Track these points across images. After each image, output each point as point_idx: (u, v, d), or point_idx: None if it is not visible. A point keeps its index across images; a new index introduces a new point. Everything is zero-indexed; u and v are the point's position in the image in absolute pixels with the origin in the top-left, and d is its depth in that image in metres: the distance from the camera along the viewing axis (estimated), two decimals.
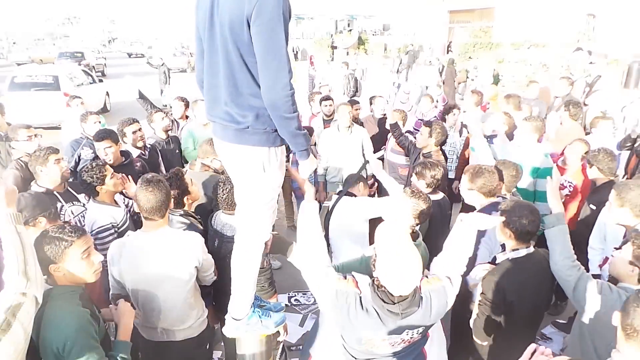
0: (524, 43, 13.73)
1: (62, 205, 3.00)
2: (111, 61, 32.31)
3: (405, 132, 5.05)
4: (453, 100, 9.48)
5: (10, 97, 10.32)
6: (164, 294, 2.22)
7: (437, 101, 7.24)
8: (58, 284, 1.78)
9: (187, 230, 2.50)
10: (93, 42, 48.16)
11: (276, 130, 1.79)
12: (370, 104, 6.06)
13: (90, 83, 12.77)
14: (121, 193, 3.10)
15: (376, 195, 4.53)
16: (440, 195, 3.32)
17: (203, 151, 3.63)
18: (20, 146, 3.73)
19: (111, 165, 3.20)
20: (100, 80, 14.40)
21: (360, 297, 1.75)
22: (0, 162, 4.43)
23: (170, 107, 6.36)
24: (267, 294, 2.54)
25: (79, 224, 2.94)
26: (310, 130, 4.90)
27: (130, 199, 3.18)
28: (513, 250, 2.34)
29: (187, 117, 5.42)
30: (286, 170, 2.06)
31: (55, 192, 3.01)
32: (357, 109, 5.74)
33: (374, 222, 2.80)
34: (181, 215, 2.74)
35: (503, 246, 2.45)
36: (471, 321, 2.42)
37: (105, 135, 3.54)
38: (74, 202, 3.08)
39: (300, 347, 3.64)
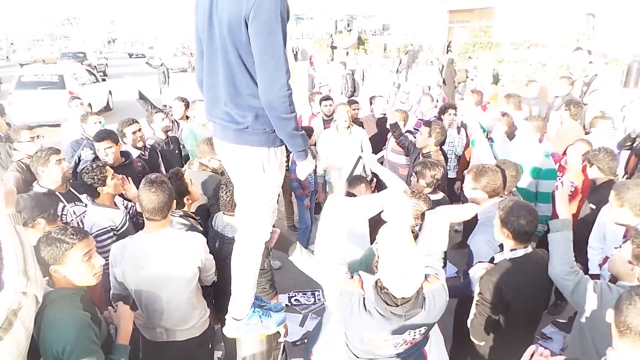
0: (523, 43, 13.73)
1: (64, 206, 3.00)
2: (112, 61, 32.43)
3: (406, 132, 5.05)
4: (453, 100, 9.48)
5: (18, 96, 10.78)
6: (167, 294, 2.22)
7: (437, 101, 7.24)
8: (59, 285, 1.78)
9: (187, 231, 2.50)
10: (94, 42, 48.28)
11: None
12: (370, 103, 6.07)
13: (93, 82, 13.10)
14: (121, 195, 3.10)
15: (375, 192, 4.53)
16: (440, 195, 3.32)
17: (201, 151, 3.63)
18: (22, 147, 3.74)
19: (111, 166, 3.20)
20: (104, 80, 14.70)
21: (364, 298, 1.76)
22: (0, 163, 4.44)
23: (170, 107, 6.37)
24: (268, 296, 2.54)
25: (80, 224, 2.94)
26: (310, 130, 4.90)
27: (130, 201, 3.18)
28: (511, 250, 2.34)
29: (187, 117, 5.42)
30: (286, 170, 2.06)
31: (57, 193, 3.02)
32: (355, 109, 5.74)
33: (374, 223, 2.81)
34: (181, 216, 2.74)
35: (501, 246, 2.45)
36: (468, 321, 2.42)
37: (106, 135, 3.54)
38: (76, 203, 3.09)
39: (306, 340, 3.66)
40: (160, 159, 4.32)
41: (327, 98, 5.88)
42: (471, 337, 2.40)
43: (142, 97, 6.04)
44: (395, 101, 8.56)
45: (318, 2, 28.70)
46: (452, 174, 5.05)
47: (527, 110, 5.48)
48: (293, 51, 23.48)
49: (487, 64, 12.39)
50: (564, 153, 4.13)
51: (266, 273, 2.57)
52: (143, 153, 4.10)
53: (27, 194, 2.68)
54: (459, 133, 5.21)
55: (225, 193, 2.53)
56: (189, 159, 4.56)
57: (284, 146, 1.88)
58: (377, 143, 5.37)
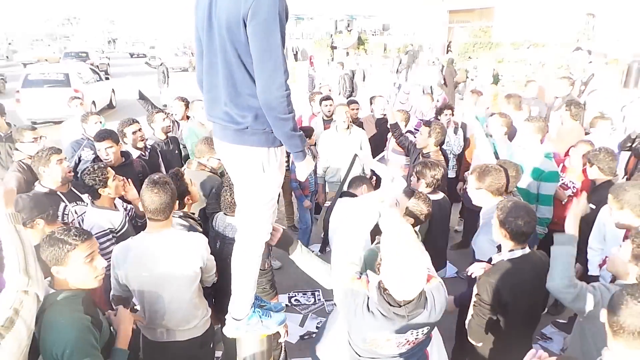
0: (523, 43, 13.72)
1: (66, 205, 3.01)
2: (114, 61, 32.68)
3: (406, 132, 5.06)
4: (453, 101, 9.47)
5: (25, 93, 11.23)
6: (170, 294, 2.23)
7: (437, 101, 7.25)
8: (60, 287, 1.78)
9: (183, 231, 2.50)
10: (96, 42, 48.41)
11: None
12: (371, 104, 6.07)
13: (97, 81, 13.52)
14: (120, 197, 3.10)
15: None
16: (440, 195, 3.32)
17: (199, 150, 3.64)
18: (25, 148, 3.74)
19: (111, 166, 3.20)
20: (107, 78, 15.22)
21: (368, 299, 1.76)
22: (0, 163, 4.44)
23: (170, 106, 6.37)
24: (268, 296, 2.55)
25: (80, 225, 2.94)
26: (310, 131, 4.91)
27: (130, 203, 3.18)
28: (509, 251, 2.34)
29: (188, 117, 5.43)
30: (286, 170, 2.06)
31: (58, 192, 3.02)
32: (354, 109, 5.75)
33: (375, 225, 2.80)
34: (180, 217, 2.74)
35: (500, 247, 2.45)
36: (466, 322, 2.42)
37: (106, 135, 3.54)
38: (77, 202, 3.09)
39: (314, 335, 3.66)
40: (160, 159, 4.32)
41: (327, 98, 5.88)
42: (469, 338, 2.40)
43: (142, 97, 6.03)
44: (396, 101, 8.56)
45: (318, 2, 28.68)
46: (451, 174, 5.06)
47: (526, 111, 5.48)
48: (293, 51, 23.48)
49: (487, 64, 12.38)
50: (566, 154, 4.14)
51: (267, 273, 2.57)
52: (143, 153, 4.10)
53: (26, 194, 2.69)
54: (455, 133, 5.22)
55: (230, 195, 2.53)
56: (189, 158, 4.57)
57: (284, 146, 1.88)
58: (377, 143, 5.37)
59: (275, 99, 1.65)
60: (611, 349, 1.64)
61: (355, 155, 4.30)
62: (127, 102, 13.32)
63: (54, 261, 1.74)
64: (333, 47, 22.01)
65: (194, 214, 3.05)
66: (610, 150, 3.37)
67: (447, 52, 17.10)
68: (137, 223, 3.18)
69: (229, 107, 1.77)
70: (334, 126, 4.86)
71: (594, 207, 3.24)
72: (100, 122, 4.53)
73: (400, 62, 15.23)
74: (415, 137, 4.73)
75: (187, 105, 5.46)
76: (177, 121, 5.37)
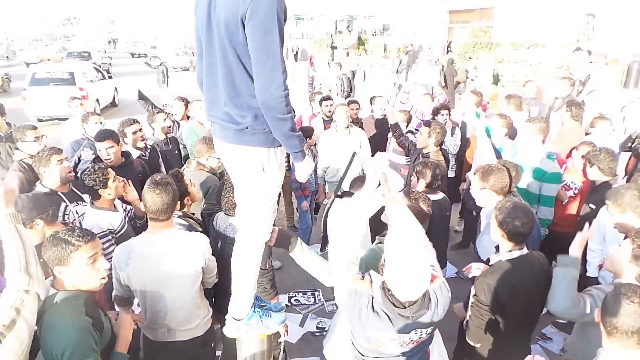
0: (523, 43, 13.72)
1: (67, 205, 3.01)
2: (115, 61, 32.93)
3: (407, 132, 5.06)
4: (453, 101, 9.47)
5: (31, 91, 11.65)
6: (172, 294, 2.23)
7: (438, 101, 7.26)
8: (63, 287, 1.78)
9: (185, 231, 2.50)
10: (97, 42, 48.52)
11: None
12: (371, 104, 6.07)
13: (100, 79, 13.91)
14: (120, 198, 3.10)
15: None
16: (440, 195, 3.32)
17: (198, 150, 3.64)
18: (26, 147, 3.74)
19: (112, 166, 3.20)
20: (110, 77, 15.57)
21: (373, 299, 1.76)
22: (0, 163, 4.44)
23: (170, 106, 6.38)
24: (269, 295, 2.55)
25: (81, 224, 2.94)
26: (310, 131, 4.91)
27: (129, 203, 3.18)
28: (507, 251, 2.35)
29: (188, 117, 5.43)
30: (286, 170, 2.06)
31: (59, 193, 3.02)
32: (354, 109, 5.75)
33: (374, 222, 2.80)
34: (180, 217, 2.74)
35: (498, 248, 2.46)
36: (464, 322, 2.42)
37: (107, 135, 3.54)
38: (78, 202, 3.09)
39: (315, 334, 3.66)
40: (160, 159, 4.32)
41: (328, 98, 5.88)
42: (467, 339, 2.40)
43: (142, 97, 6.02)
44: (396, 101, 8.56)
45: (318, 3, 28.70)
46: (450, 174, 5.06)
47: (526, 111, 5.49)
48: (293, 51, 23.48)
49: (487, 64, 12.37)
50: (568, 155, 4.14)
51: (268, 273, 2.57)
52: (143, 153, 4.10)
53: (26, 194, 2.69)
54: (452, 134, 5.22)
55: (232, 195, 2.53)
56: (189, 158, 4.57)
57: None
58: (377, 143, 5.37)
59: (274, 99, 1.65)
60: (606, 349, 1.64)
61: (354, 154, 4.30)
62: (129, 101, 13.48)
63: (57, 261, 1.74)
64: (333, 47, 22.00)
65: (193, 214, 3.05)
66: (611, 151, 3.37)
67: (447, 53, 17.09)
68: (136, 224, 3.18)
69: (228, 107, 1.77)
70: (334, 126, 4.86)
71: (594, 207, 3.25)
72: (101, 123, 4.53)
73: (400, 62, 15.24)
74: (415, 137, 4.74)
75: (187, 105, 5.47)
76: (177, 121, 5.38)
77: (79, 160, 4.01)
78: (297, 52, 23.64)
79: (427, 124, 4.62)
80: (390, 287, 1.69)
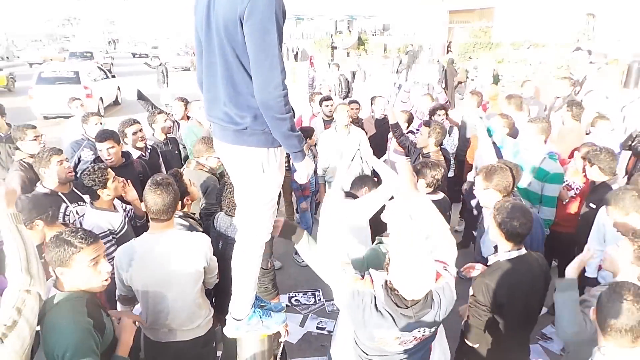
0: (523, 43, 13.72)
1: (67, 206, 3.01)
2: (116, 61, 33.09)
3: (408, 132, 5.07)
4: (453, 101, 9.48)
5: (38, 90, 12.24)
6: (174, 294, 2.23)
7: (437, 100, 7.27)
8: (64, 287, 1.78)
9: (186, 231, 2.50)
10: (99, 42, 48.63)
11: None
12: (371, 104, 6.07)
13: (104, 78, 14.39)
14: (120, 198, 3.10)
15: None
16: (440, 195, 3.32)
17: (197, 150, 3.65)
18: (26, 146, 3.74)
19: (112, 167, 3.20)
20: (113, 76, 15.89)
21: (375, 298, 1.77)
22: (0, 164, 4.45)
23: (170, 106, 6.38)
24: (270, 295, 2.55)
25: (81, 225, 2.94)
26: (311, 131, 4.92)
27: (129, 203, 3.18)
28: (505, 252, 2.35)
29: (188, 117, 5.44)
30: (286, 170, 2.06)
31: (60, 193, 3.02)
32: (354, 109, 5.75)
33: (375, 224, 2.80)
34: (180, 217, 2.74)
35: (496, 248, 2.46)
36: (462, 323, 2.42)
37: (108, 135, 3.55)
38: (79, 203, 3.09)
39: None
40: (160, 159, 4.33)
41: (328, 98, 5.88)
42: (465, 339, 2.40)
43: (141, 97, 6.02)
44: (397, 101, 8.56)
45: (318, 3, 28.69)
46: (449, 173, 5.06)
47: (526, 111, 5.49)
48: (293, 51, 23.47)
49: (487, 64, 12.37)
50: (571, 155, 4.14)
51: (269, 273, 2.57)
52: (144, 154, 4.11)
53: (25, 195, 2.69)
54: (449, 134, 5.22)
55: (233, 195, 2.54)
56: (188, 158, 4.58)
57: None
58: (377, 143, 5.37)
59: (272, 98, 1.65)
60: (602, 347, 1.65)
61: (357, 150, 4.31)
62: (131, 100, 13.58)
63: (58, 262, 1.74)
64: (333, 48, 22.00)
65: (194, 213, 3.06)
66: (611, 151, 3.37)
67: (447, 53, 17.09)
68: (136, 223, 3.18)
69: (228, 107, 1.77)
70: (334, 126, 4.87)
71: (594, 206, 3.25)
72: (101, 123, 4.54)
73: (401, 63, 15.24)
74: (416, 137, 4.74)
75: (186, 106, 5.47)
76: (177, 121, 5.39)
77: (79, 161, 4.01)
78: (297, 52, 23.64)
79: (427, 124, 4.62)
80: (396, 286, 1.69)
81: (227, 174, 2.55)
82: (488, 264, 2.41)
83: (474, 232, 3.87)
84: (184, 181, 2.88)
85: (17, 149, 3.83)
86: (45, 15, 79.78)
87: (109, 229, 2.82)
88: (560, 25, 13.02)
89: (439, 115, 5.30)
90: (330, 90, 7.86)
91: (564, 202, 3.81)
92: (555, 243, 3.51)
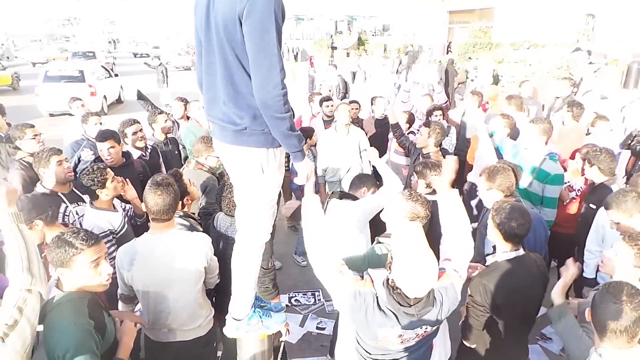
0: (523, 43, 13.71)
1: (67, 206, 3.01)
2: (118, 60, 33.30)
3: (409, 133, 5.07)
4: (453, 101, 9.47)
5: (44, 88, 12.70)
6: (175, 294, 2.24)
7: (438, 100, 7.27)
8: (65, 287, 1.78)
9: (187, 231, 2.51)
10: (99, 42, 48.68)
11: None
12: (372, 104, 6.08)
13: (107, 77, 14.86)
14: (120, 197, 3.10)
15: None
16: None
17: (197, 150, 3.66)
18: (25, 145, 3.75)
19: (112, 167, 3.20)
20: (116, 75, 16.35)
21: (377, 297, 1.77)
22: (0, 163, 4.45)
23: (170, 106, 6.39)
24: (270, 295, 2.55)
25: (81, 225, 2.94)
26: (311, 131, 4.92)
27: (128, 202, 3.18)
28: (503, 252, 2.35)
29: (188, 117, 5.44)
30: (286, 170, 2.06)
31: (59, 193, 3.02)
32: (354, 109, 5.75)
33: (375, 224, 2.81)
34: (180, 216, 2.74)
35: (494, 247, 2.47)
36: (459, 323, 2.42)
37: (109, 135, 3.55)
38: (78, 203, 3.09)
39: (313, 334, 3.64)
40: (160, 159, 4.33)
41: (328, 99, 5.89)
42: (462, 339, 2.41)
43: (141, 97, 6.02)
44: (397, 101, 8.57)
45: (318, 3, 28.67)
46: None
47: (525, 111, 5.49)
48: (293, 52, 23.45)
49: (487, 65, 12.35)
50: (572, 155, 4.14)
51: (270, 272, 2.58)
52: (144, 154, 4.11)
53: (25, 195, 2.69)
54: (447, 134, 5.23)
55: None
56: (188, 158, 4.59)
57: (283, 147, 1.89)
58: (378, 144, 5.37)
59: (271, 97, 1.65)
60: (598, 348, 1.65)
61: (364, 150, 4.32)
62: (132, 99, 13.69)
63: (59, 263, 1.74)
64: (333, 48, 21.98)
65: (194, 213, 3.06)
66: (611, 151, 3.37)
67: (447, 53, 17.08)
68: (136, 222, 3.19)
69: (227, 107, 1.77)
70: (334, 126, 4.88)
71: (594, 207, 3.25)
72: (100, 123, 4.54)
73: (401, 63, 15.22)
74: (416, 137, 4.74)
75: (186, 106, 5.48)
76: (176, 121, 5.39)
77: (79, 161, 4.02)
78: (297, 52, 23.61)
79: (427, 124, 4.63)
80: (398, 284, 1.69)
81: (226, 174, 2.56)
82: (486, 264, 2.42)
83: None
84: (184, 181, 2.88)
85: (17, 148, 3.84)
86: (45, 15, 79.70)
87: (109, 229, 2.83)
88: (560, 25, 13.01)
89: (436, 116, 5.31)
90: (330, 91, 7.86)
91: (565, 203, 3.82)
92: (555, 244, 3.51)
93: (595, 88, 7.22)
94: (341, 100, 9.53)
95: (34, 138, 3.76)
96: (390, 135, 5.10)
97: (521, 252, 2.34)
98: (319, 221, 1.99)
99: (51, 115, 12.63)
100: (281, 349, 2.55)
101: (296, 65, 19.95)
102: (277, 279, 2.76)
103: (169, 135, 4.71)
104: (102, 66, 15.78)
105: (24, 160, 3.66)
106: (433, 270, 1.66)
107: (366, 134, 5.16)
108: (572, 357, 2.05)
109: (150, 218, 2.30)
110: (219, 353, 3.05)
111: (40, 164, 2.99)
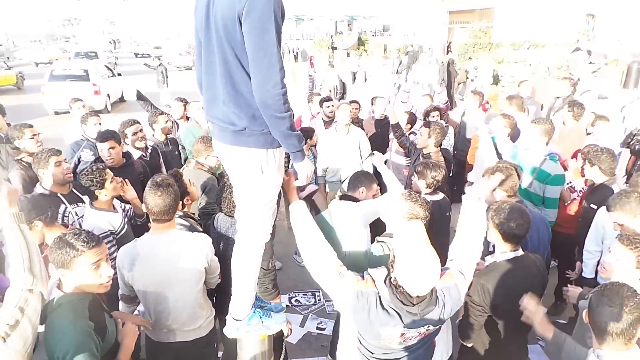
0: (523, 43, 13.70)
1: (66, 207, 3.01)
2: (119, 60, 33.30)
3: (410, 133, 5.07)
4: (452, 101, 9.46)
5: (50, 87, 13.24)
6: (176, 294, 2.24)
7: (439, 101, 7.27)
8: (66, 290, 1.78)
9: (187, 232, 2.51)
10: (100, 42, 48.79)
11: None
12: (372, 104, 6.08)
13: (110, 77, 15.34)
14: (119, 197, 3.10)
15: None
16: (440, 196, 3.33)
17: (196, 150, 3.66)
18: (24, 145, 3.75)
19: (112, 167, 3.20)
20: (119, 74, 16.76)
21: (380, 297, 1.77)
22: (0, 164, 4.45)
23: (170, 107, 6.39)
24: (270, 295, 2.55)
25: (81, 226, 2.94)
26: (311, 131, 4.92)
27: (128, 203, 3.18)
28: (501, 252, 2.35)
29: (187, 118, 5.44)
30: (286, 170, 2.06)
31: (59, 194, 3.02)
32: (354, 109, 5.76)
33: (375, 225, 2.81)
34: (180, 217, 2.74)
35: (493, 247, 2.47)
36: (457, 322, 2.43)
37: (109, 135, 3.56)
38: (78, 204, 3.09)
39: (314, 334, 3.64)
40: (161, 160, 4.34)
41: (328, 99, 5.89)
42: (460, 338, 2.41)
43: (141, 97, 6.02)
44: (397, 101, 8.57)
45: (318, 3, 28.67)
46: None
47: (526, 111, 5.49)
48: (293, 52, 23.44)
49: (487, 65, 12.36)
50: (574, 155, 4.14)
51: (270, 273, 2.58)
52: (144, 154, 4.12)
53: (24, 195, 2.69)
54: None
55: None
56: (188, 159, 4.59)
57: (282, 147, 1.88)
58: (378, 144, 5.38)
59: (271, 97, 1.65)
60: (596, 350, 1.65)
61: (371, 154, 4.33)
62: (133, 99, 13.84)
63: (60, 264, 1.74)
64: (333, 48, 21.98)
65: (194, 213, 3.06)
66: (612, 151, 3.37)
67: (447, 53, 17.08)
68: (136, 222, 3.19)
69: (227, 106, 1.77)
70: (334, 126, 4.88)
71: (595, 207, 3.25)
72: (100, 124, 4.54)
73: (401, 63, 15.21)
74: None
75: (185, 106, 5.49)
76: (176, 121, 5.39)
77: (79, 162, 4.02)
78: (297, 52, 23.61)
79: (427, 124, 4.63)
80: (401, 283, 1.69)
81: (226, 175, 2.56)
82: (485, 264, 2.42)
83: None
84: (184, 181, 2.88)
85: (16, 148, 3.84)
86: (45, 15, 79.73)
87: (109, 230, 2.83)
88: (560, 25, 13.01)
89: (433, 117, 5.31)
90: (330, 91, 7.86)
91: (566, 204, 3.82)
92: (555, 244, 3.52)
93: (594, 88, 7.22)
94: (339, 100, 9.53)
95: (33, 138, 3.76)
96: (391, 135, 5.10)
97: (520, 252, 2.34)
98: (309, 225, 1.98)
99: (56, 113, 12.99)
100: (283, 349, 2.55)
101: (296, 65, 19.93)
102: (277, 279, 2.76)
103: (169, 136, 4.72)
104: (106, 66, 16.22)
105: (23, 161, 3.66)
106: (435, 268, 1.67)
107: (366, 134, 5.16)
108: None
109: (150, 218, 2.30)
110: (220, 354, 3.05)
111: (40, 165, 2.99)
